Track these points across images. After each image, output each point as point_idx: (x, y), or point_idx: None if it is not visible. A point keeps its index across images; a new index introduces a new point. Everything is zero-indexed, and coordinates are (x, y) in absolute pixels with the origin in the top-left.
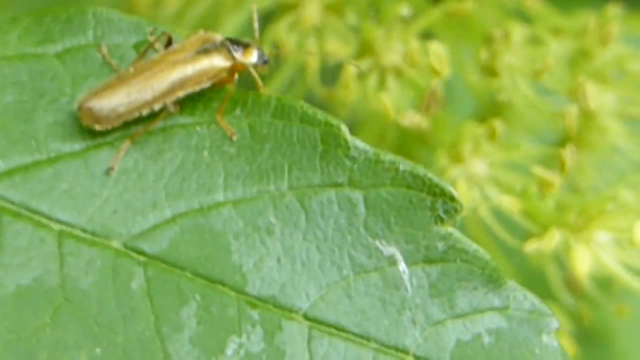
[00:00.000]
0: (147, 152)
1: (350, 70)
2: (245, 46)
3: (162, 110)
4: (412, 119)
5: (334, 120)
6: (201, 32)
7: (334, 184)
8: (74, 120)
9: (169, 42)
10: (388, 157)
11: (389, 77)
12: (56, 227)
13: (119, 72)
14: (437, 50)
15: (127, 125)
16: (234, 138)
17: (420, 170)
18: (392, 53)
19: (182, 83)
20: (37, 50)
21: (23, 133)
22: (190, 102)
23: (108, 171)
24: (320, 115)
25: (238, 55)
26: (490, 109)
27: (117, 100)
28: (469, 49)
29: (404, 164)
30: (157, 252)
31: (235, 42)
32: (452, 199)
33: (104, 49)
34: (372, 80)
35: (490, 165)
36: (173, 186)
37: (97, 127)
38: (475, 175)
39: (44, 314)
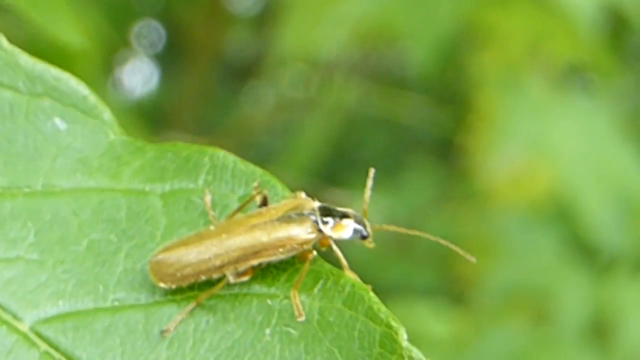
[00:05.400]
0: (211, 318)
1: None
2: (342, 217)
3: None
4: None
5: (394, 322)
6: (301, 195)
7: None
8: None
9: (264, 202)
10: None
11: None
12: None
13: (214, 225)
14: None
15: (193, 286)
16: (300, 319)
17: None
18: None
19: (255, 252)
20: (145, 187)
21: (97, 275)
22: (275, 270)
23: (163, 333)
24: (383, 313)
25: (326, 228)
26: None
27: (186, 260)
28: None
29: None
30: None
31: (329, 211)
32: None
33: (208, 197)
34: None
35: None
36: None
37: (161, 285)
38: None
39: None
